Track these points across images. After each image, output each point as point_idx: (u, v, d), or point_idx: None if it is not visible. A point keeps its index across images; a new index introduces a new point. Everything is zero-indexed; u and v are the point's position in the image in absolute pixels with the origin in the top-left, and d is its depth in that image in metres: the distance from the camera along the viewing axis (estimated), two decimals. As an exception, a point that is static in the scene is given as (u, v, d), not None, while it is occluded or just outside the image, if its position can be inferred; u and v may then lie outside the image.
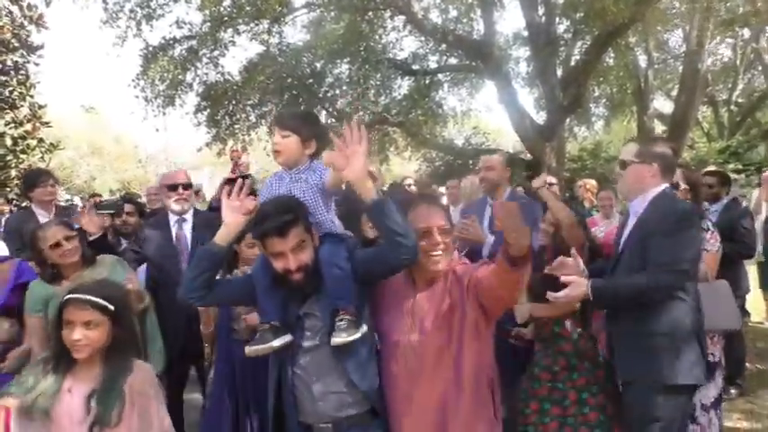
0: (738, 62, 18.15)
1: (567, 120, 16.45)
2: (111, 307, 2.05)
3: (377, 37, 14.90)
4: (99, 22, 12.43)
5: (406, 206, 2.17)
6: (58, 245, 3.00)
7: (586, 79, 12.73)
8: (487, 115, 18.31)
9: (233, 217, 2.11)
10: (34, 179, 4.46)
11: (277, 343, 2.05)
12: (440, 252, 2.12)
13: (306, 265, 2.04)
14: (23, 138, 8.99)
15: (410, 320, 2.14)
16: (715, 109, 19.72)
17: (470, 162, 14.21)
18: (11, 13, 8.79)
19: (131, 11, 12.36)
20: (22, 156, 8.97)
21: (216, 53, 13.49)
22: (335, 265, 2.07)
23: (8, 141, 8.78)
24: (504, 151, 4.45)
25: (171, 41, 13.17)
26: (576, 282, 2.42)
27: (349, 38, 14.22)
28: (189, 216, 3.84)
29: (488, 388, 2.15)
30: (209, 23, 12.99)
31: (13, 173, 8.75)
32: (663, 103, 19.28)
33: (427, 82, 16.13)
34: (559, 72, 13.58)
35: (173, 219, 3.82)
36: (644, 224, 2.55)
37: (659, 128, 17.18)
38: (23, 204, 8.45)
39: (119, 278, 3.15)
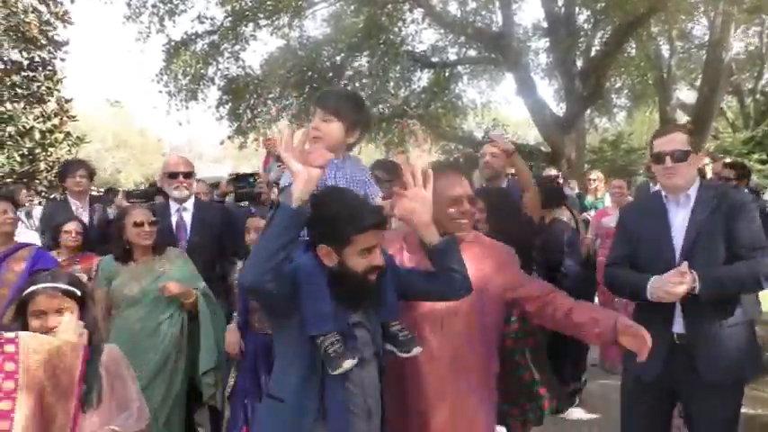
0: (764, 51, 17.81)
1: (588, 111, 16.35)
2: (79, 292, 2.08)
3: (396, 29, 14.93)
4: (122, 18, 12.71)
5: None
6: (140, 224, 3.16)
7: (606, 70, 12.65)
8: (509, 107, 18.26)
9: (307, 169, 1.66)
10: (66, 170, 4.53)
11: (352, 363, 1.74)
12: (467, 220, 2.18)
13: (380, 267, 1.81)
14: (51, 131, 9.25)
15: None
16: (740, 99, 19.39)
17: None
18: (37, 10, 9.05)
19: (154, 6, 12.62)
20: (50, 149, 9.24)
21: (237, 47, 13.70)
22: (390, 273, 1.89)
23: (37, 135, 9.04)
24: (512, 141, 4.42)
25: (193, 36, 13.40)
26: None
27: (368, 31, 14.29)
28: (190, 204, 3.82)
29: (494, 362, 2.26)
30: (230, 18, 13.18)
31: (42, 165, 9.01)
32: (687, 94, 19.02)
33: (447, 74, 16.16)
34: (579, 63, 13.52)
35: (173, 207, 3.80)
36: (714, 212, 2.45)
37: (682, 118, 16.98)
38: (52, 196, 8.72)
39: (182, 270, 3.29)
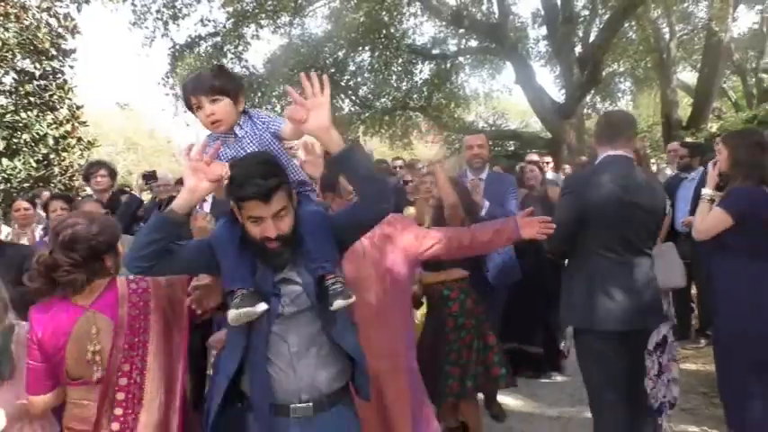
0: (766, 29, 17.77)
1: (589, 96, 16.46)
2: None
3: (396, 24, 15.14)
4: (128, 23, 13.02)
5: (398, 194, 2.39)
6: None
7: (604, 55, 12.76)
8: (513, 96, 18.32)
9: (196, 181, 1.80)
10: (87, 171, 4.86)
11: (260, 308, 1.82)
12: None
13: (285, 234, 1.85)
14: (64, 137, 9.64)
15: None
16: (743, 78, 19.37)
17: (490, 143, 14.35)
18: (48, 24, 9.46)
19: (158, 11, 12.91)
20: (63, 154, 9.63)
21: (240, 48, 13.95)
22: (318, 227, 1.92)
23: (50, 141, 9.42)
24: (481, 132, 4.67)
25: (197, 39, 13.70)
26: None
27: (369, 26, 14.51)
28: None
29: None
30: (232, 20, 13.44)
31: (56, 170, 9.38)
32: (690, 75, 19.02)
33: (448, 66, 16.36)
34: (578, 50, 13.64)
35: None
36: None
37: (684, 100, 17.04)
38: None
39: None
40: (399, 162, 7.19)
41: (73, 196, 4.82)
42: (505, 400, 4.34)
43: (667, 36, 15.15)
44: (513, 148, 15.43)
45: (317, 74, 1.80)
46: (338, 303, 1.81)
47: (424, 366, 3.14)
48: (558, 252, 3.11)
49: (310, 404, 1.87)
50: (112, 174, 4.87)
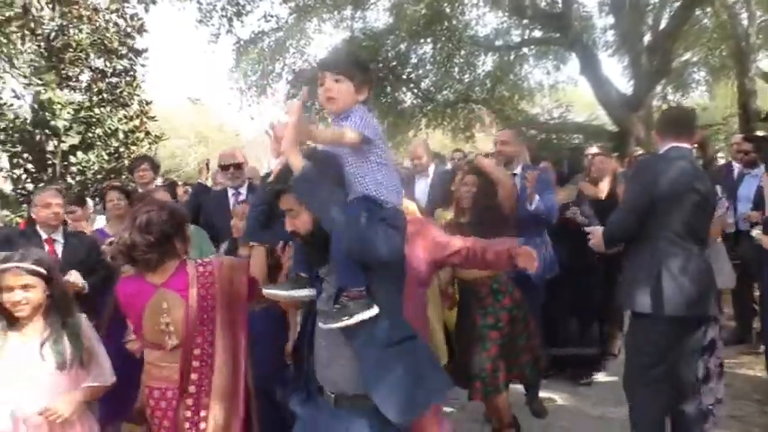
0: None
1: (660, 87, 15.76)
2: (43, 270, 2.29)
3: (458, 15, 14.96)
4: (195, 21, 13.51)
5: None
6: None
7: (674, 44, 12.18)
8: (580, 87, 17.76)
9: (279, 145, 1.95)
10: (133, 166, 5.34)
11: (296, 293, 1.99)
12: None
13: (299, 232, 1.96)
14: (133, 132, 10.12)
15: None
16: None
17: (553, 137, 14.04)
18: (117, 24, 9.95)
19: (222, 9, 13.29)
20: (132, 147, 10.10)
21: (302, 42, 14.19)
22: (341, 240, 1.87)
23: (121, 135, 9.92)
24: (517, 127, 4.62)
25: (260, 35, 14.00)
26: None
27: (430, 18, 14.40)
28: (244, 190, 4.50)
29: None
30: (294, 15, 13.67)
31: (126, 162, 9.83)
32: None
33: (511, 57, 16.04)
34: (647, 38, 13.08)
35: (230, 193, 4.55)
36: None
37: (763, 88, 16.03)
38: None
39: (200, 243, 3.71)
40: (459, 154, 7.32)
41: (133, 189, 5.05)
42: (548, 396, 4.29)
43: (745, 22, 14.28)
44: (577, 141, 15.00)
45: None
46: (322, 324, 1.93)
47: (462, 360, 3.19)
48: (621, 240, 3.12)
49: (333, 395, 1.99)
50: (155, 168, 5.27)
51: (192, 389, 2.26)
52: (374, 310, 1.85)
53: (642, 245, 2.91)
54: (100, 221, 5.12)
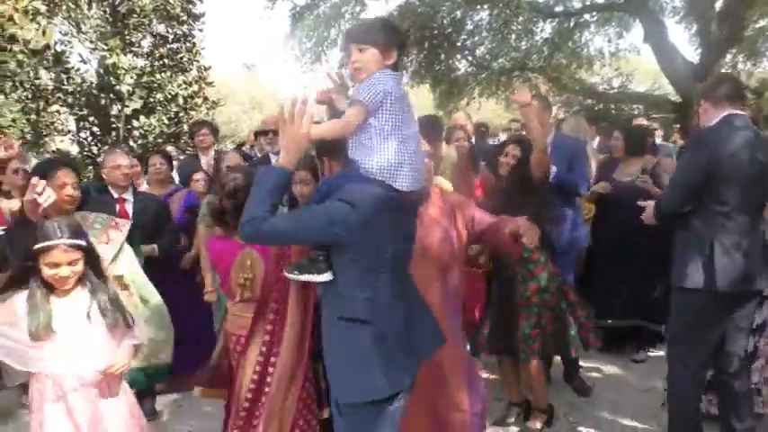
0: None
1: (729, 57, 14.99)
2: (85, 243, 2.35)
3: (516, -20, 14.52)
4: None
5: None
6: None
7: (746, 10, 11.53)
8: (645, 56, 17.04)
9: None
10: (193, 130, 5.51)
11: (315, 278, 1.96)
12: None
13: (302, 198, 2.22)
14: (192, 97, 10.40)
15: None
16: None
17: (612, 107, 13.60)
18: (179, -11, 10.15)
19: (280, -26, 13.27)
20: (191, 112, 10.39)
21: (357, 8, 14.06)
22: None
23: (180, 100, 10.21)
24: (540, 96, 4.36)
25: (316, 0, 13.96)
26: None
27: (487, -17, 14.06)
28: None
29: None
30: (350, -20, 13.56)
31: (185, 127, 10.14)
32: None
33: (571, 24, 15.51)
34: (719, 4, 12.41)
35: (273, 159, 4.50)
36: None
37: None
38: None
39: None
40: (516, 125, 7.13)
41: (192, 152, 5.30)
42: (596, 367, 4.33)
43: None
44: (636, 112, 14.51)
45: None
46: (284, 272, 2.10)
47: (498, 327, 3.23)
48: (675, 214, 2.99)
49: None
50: (214, 132, 5.44)
51: (266, 338, 2.46)
52: (325, 276, 1.93)
53: (695, 219, 2.84)
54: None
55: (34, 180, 2.64)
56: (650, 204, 3.07)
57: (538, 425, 3.52)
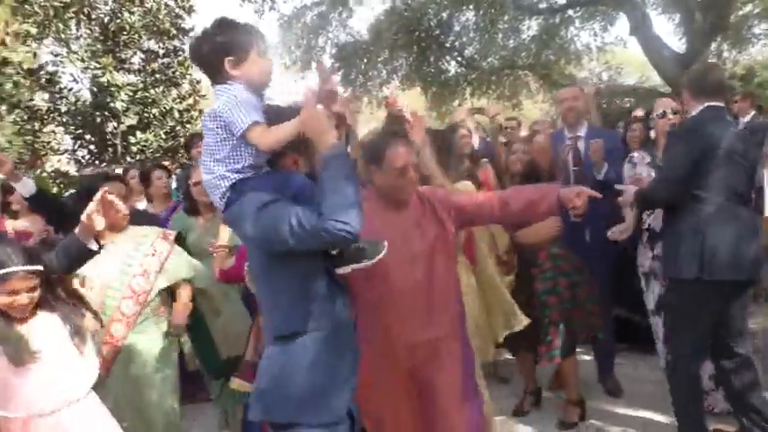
0: None
1: (715, 45, 15.13)
2: (42, 268, 2.14)
3: (501, -21, 14.63)
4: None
5: None
6: (198, 183, 3.51)
7: (730, -2, 11.67)
8: (632, 48, 17.15)
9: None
10: (190, 143, 5.46)
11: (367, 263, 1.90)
12: (411, 187, 2.38)
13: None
14: (187, 110, 10.47)
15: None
16: None
17: (603, 101, 13.70)
18: (167, 5, 10.22)
19: (266, -15, 13.31)
20: (187, 126, 10.46)
21: (344, 15, 14.16)
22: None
23: (176, 114, 10.28)
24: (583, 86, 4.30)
25: (302, 9, 14.04)
26: None
27: (472, -16, 14.17)
28: None
29: None
30: (336, -13, 13.64)
31: (182, 141, 10.20)
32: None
33: (557, 20, 15.61)
34: (701, -6, 12.53)
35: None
36: None
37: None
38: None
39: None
40: (513, 123, 6.89)
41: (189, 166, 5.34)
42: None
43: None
44: (628, 105, 14.62)
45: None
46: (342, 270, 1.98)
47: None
48: (662, 204, 3.10)
49: None
50: None
51: None
52: (376, 257, 1.88)
53: (684, 208, 2.88)
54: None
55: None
56: (629, 189, 3.13)
57: (575, 418, 3.59)
